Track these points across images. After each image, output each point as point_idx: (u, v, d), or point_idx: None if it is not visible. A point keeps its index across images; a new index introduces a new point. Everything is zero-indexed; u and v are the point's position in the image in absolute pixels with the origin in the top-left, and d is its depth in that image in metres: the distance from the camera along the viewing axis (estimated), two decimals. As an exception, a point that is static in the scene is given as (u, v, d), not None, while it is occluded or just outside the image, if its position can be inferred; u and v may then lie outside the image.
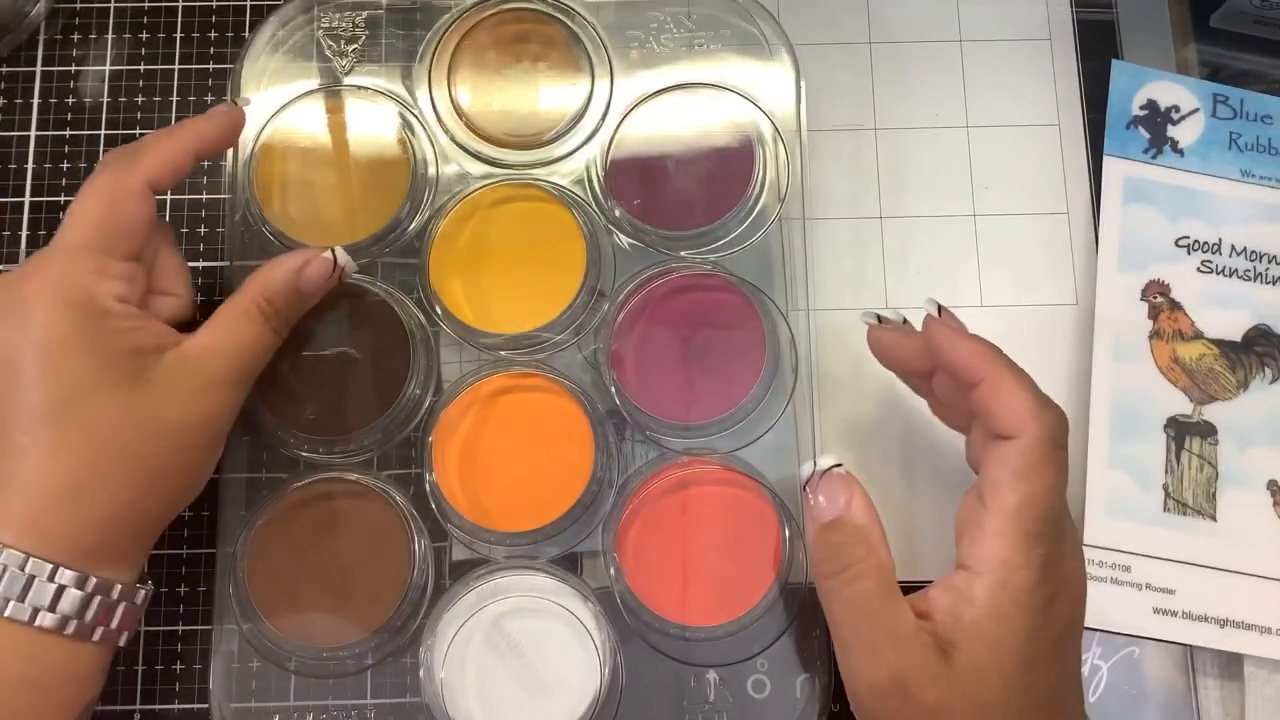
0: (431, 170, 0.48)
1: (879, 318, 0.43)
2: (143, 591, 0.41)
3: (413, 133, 0.48)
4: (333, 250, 0.44)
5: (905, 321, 0.43)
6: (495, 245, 0.47)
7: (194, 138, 0.43)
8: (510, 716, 0.43)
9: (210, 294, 0.49)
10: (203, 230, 0.50)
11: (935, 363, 0.41)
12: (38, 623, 0.37)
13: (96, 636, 0.39)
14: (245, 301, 0.42)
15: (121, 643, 0.40)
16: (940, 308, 0.41)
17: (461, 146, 0.48)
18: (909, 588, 0.48)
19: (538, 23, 0.49)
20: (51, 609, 0.37)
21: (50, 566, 0.37)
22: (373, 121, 0.48)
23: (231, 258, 0.48)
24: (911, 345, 0.42)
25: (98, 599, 0.38)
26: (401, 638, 0.45)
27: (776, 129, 0.48)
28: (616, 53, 0.49)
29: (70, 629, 0.38)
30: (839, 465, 0.40)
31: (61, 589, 0.37)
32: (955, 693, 0.36)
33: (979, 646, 0.36)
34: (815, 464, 0.40)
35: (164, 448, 0.39)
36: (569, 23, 0.49)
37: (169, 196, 0.50)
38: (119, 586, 0.39)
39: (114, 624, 0.39)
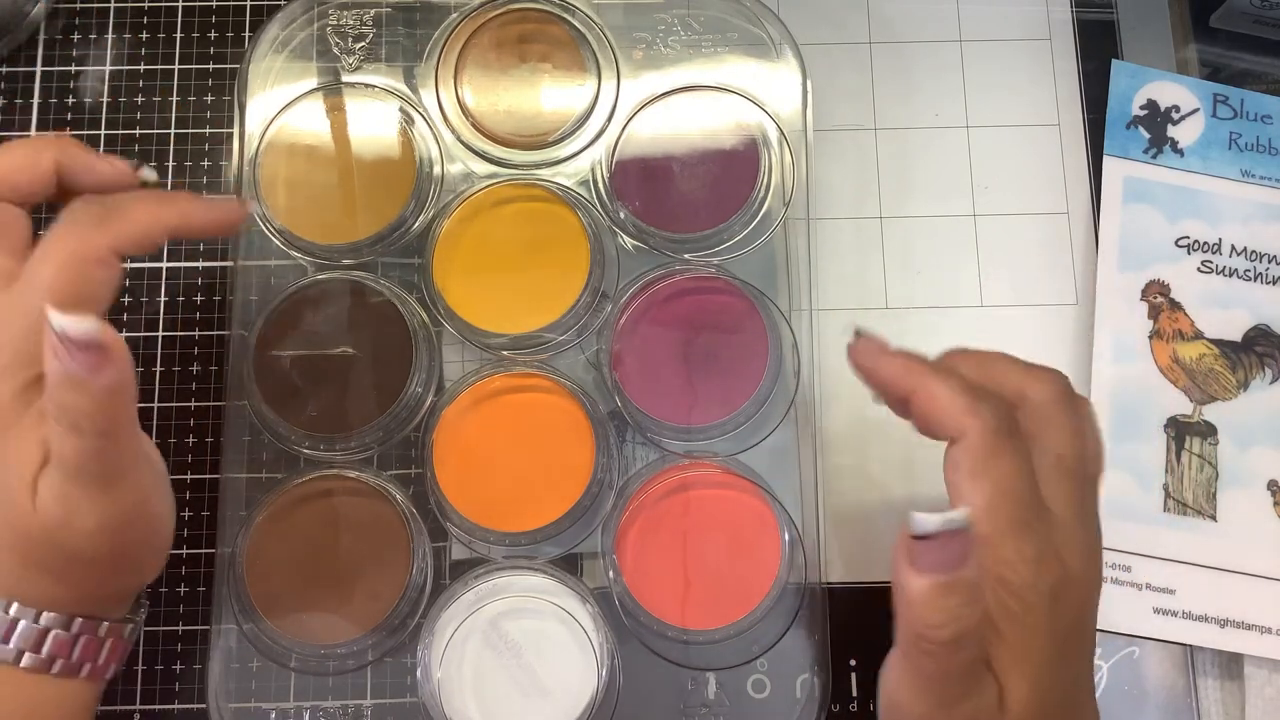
0: (436, 169, 0.48)
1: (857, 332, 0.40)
2: (130, 626, 0.40)
3: (418, 132, 0.48)
4: (55, 325, 0.33)
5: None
6: (499, 245, 0.47)
7: (179, 217, 0.39)
8: (507, 717, 0.43)
9: (210, 294, 0.49)
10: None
11: (869, 386, 0.38)
12: (23, 664, 0.37)
13: (84, 672, 0.38)
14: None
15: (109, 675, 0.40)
16: (858, 331, 0.39)
17: (467, 146, 0.48)
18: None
19: (544, 23, 0.49)
20: (36, 650, 0.37)
21: (33, 610, 0.37)
22: (378, 120, 0.48)
23: (236, 257, 0.48)
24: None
25: (83, 638, 0.38)
26: (400, 636, 0.45)
27: (782, 132, 0.48)
28: (623, 54, 0.49)
29: (56, 668, 0.38)
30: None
31: (46, 630, 0.37)
32: (1009, 717, 0.35)
33: (1005, 652, 0.35)
34: (949, 519, 0.32)
35: (69, 565, 0.37)
36: (575, 23, 0.49)
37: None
38: (105, 624, 0.39)
39: (101, 659, 0.39)
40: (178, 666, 0.46)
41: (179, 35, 0.52)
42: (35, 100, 0.51)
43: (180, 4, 0.52)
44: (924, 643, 0.34)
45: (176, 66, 0.52)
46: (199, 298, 0.49)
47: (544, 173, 0.48)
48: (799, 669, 0.45)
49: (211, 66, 0.52)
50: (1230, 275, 0.49)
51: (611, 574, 0.44)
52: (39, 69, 0.52)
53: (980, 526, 0.35)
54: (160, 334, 0.49)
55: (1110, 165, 0.50)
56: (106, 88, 0.51)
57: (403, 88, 0.49)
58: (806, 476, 0.45)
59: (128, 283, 0.49)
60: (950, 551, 0.33)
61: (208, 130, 0.51)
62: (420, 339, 0.46)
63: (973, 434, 0.35)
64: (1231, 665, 0.46)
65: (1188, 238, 0.50)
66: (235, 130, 0.49)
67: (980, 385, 0.37)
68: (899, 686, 0.36)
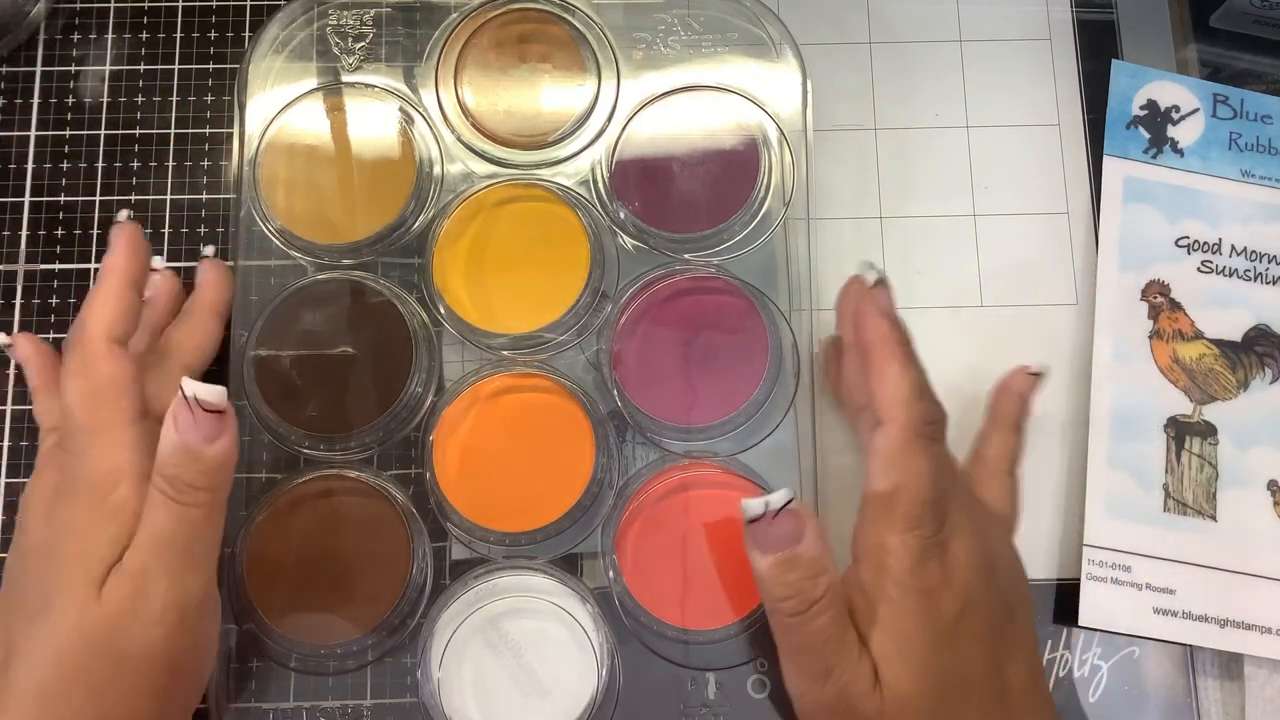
0: (436, 169, 0.48)
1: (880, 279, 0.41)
2: None
3: (418, 132, 0.48)
4: (188, 391, 0.37)
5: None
6: (499, 245, 0.47)
7: (118, 277, 0.41)
8: (507, 717, 0.43)
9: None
10: (202, 230, 0.50)
11: (854, 332, 0.41)
12: None
13: None
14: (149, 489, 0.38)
15: None
16: (880, 279, 0.41)
17: (467, 146, 0.48)
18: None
19: (544, 23, 0.49)
20: None
21: None
22: (378, 120, 0.49)
23: (236, 257, 0.48)
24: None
25: None
26: (400, 636, 0.45)
27: (782, 132, 0.48)
28: (623, 54, 0.49)
29: None
30: (792, 499, 0.37)
31: None
32: (886, 699, 0.37)
33: (880, 636, 0.37)
34: (767, 502, 0.37)
35: (117, 673, 0.37)
36: (575, 23, 0.49)
37: (168, 196, 0.50)
38: None
39: None
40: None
41: (179, 35, 0.52)
42: (35, 100, 0.51)
43: (180, 4, 0.52)
44: (777, 616, 0.38)
45: (176, 66, 0.52)
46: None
47: (544, 173, 0.48)
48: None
49: (211, 66, 0.52)
50: (1230, 275, 0.49)
51: (611, 574, 0.44)
52: (39, 69, 0.52)
53: (871, 510, 0.38)
54: (160, 334, 0.49)
55: (1110, 165, 0.50)
56: (106, 87, 0.52)
57: (403, 88, 0.49)
58: (806, 476, 0.45)
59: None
60: (782, 530, 0.37)
61: (208, 130, 0.51)
62: (420, 339, 0.46)
63: (894, 426, 0.38)
64: (1231, 665, 0.46)
65: (1188, 238, 0.50)
66: (235, 130, 0.49)
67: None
68: (784, 673, 0.39)
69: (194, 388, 0.37)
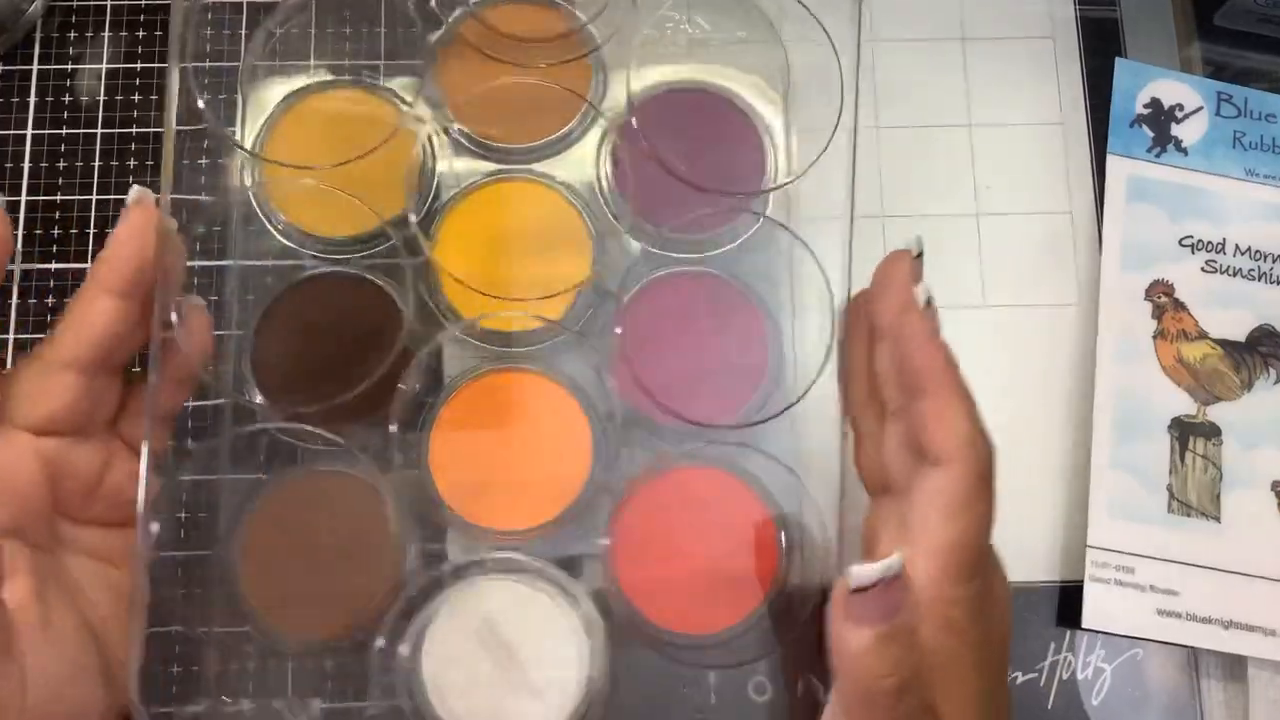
0: (437, 167, 0.48)
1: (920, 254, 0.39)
2: None
3: (419, 129, 0.48)
4: None
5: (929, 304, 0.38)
6: (499, 243, 0.47)
7: None
8: (500, 718, 0.43)
9: (207, 294, 0.49)
10: (201, 230, 0.50)
11: (896, 353, 0.37)
12: None
13: None
14: None
15: None
16: (929, 301, 0.38)
17: (467, 140, 0.48)
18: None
19: (546, 15, 0.49)
20: None
21: None
22: (378, 118, 0.48)
23: (235, 256, 0.48)
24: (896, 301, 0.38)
25: None
26: (395, 636, 0.44)
27: (787, 131, 0.47)
28: (630, 49, 0.48)
29: None
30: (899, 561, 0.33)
31: None
32: None
33: (950, 700, 0.34)
34: (888, 566, 0.33)
35: None
36: (582, 16, 0.48)
37: (169, 196, 0.50)
38: None
39: None
40: (176, 668, 0.46)
41: (177, 33, 0.52)
42: (32, 99, 0.51)
43: (178, 2, 0.52)
44: (872, 695, 0.34)
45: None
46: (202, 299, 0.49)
47: (546, 168, 0.48)
48: (801, 671, 0.44)
49: (209, 65, 0.52)
50: (1234, 275, 0.49)
51: (608, 575, 0.44)
52: (35, 67, 0.51)
53: (935, 564, 0.34)
54: (158, 333, 0.49)
55: (1114, 164, 0.50)
56: (103, 86, 0.51)
57: (404, 85, 0.49)
58: (802, 476, 0.45)
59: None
60: (889, 599, 0.33)
61: (207, 129, 0.51)
62: (419, 337, 0.46)
63: (962, 467, 0.35)
64: (1235, 667, 0.46)
65: (1191, 237, 0.49)
66: (236, 129, 0.48)
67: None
68: None
69: None
